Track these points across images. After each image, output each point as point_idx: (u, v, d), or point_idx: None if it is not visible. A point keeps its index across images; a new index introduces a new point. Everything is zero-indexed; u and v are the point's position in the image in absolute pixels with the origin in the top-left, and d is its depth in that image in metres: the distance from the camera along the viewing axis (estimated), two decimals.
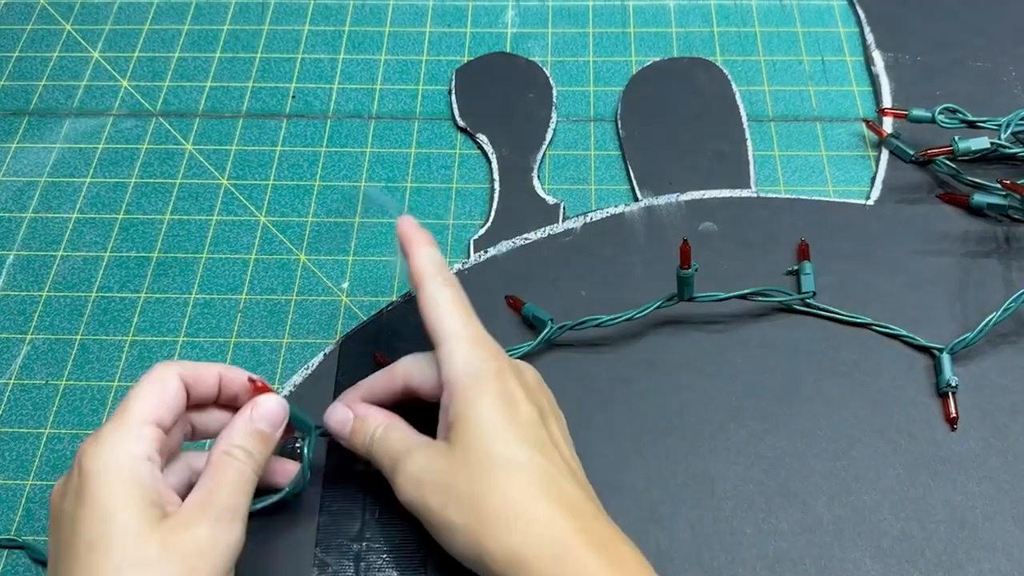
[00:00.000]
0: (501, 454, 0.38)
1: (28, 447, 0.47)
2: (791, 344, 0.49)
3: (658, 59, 0.62)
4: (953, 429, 0.46)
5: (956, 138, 0.53)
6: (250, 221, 0.56)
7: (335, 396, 0.47)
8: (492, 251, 0.53)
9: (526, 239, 0.53)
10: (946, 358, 0.47)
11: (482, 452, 0.38)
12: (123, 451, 0.36)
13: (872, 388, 0.47)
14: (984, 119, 0.54)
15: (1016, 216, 0.52)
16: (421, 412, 0.43)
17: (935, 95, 0.58)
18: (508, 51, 0.63)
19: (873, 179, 0.56)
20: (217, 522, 0.36)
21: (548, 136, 0.59)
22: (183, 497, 0.37)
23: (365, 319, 0.51)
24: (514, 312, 0.50)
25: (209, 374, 0.40)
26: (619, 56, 0.63)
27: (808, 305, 0.49)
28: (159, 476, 0.37)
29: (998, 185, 0.51)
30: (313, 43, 0.65)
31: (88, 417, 0.48)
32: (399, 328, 0.50)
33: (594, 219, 0.54)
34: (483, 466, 0.38)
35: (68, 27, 0.66)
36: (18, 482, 0.46)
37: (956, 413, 0.46)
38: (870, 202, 0.55)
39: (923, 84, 0.59)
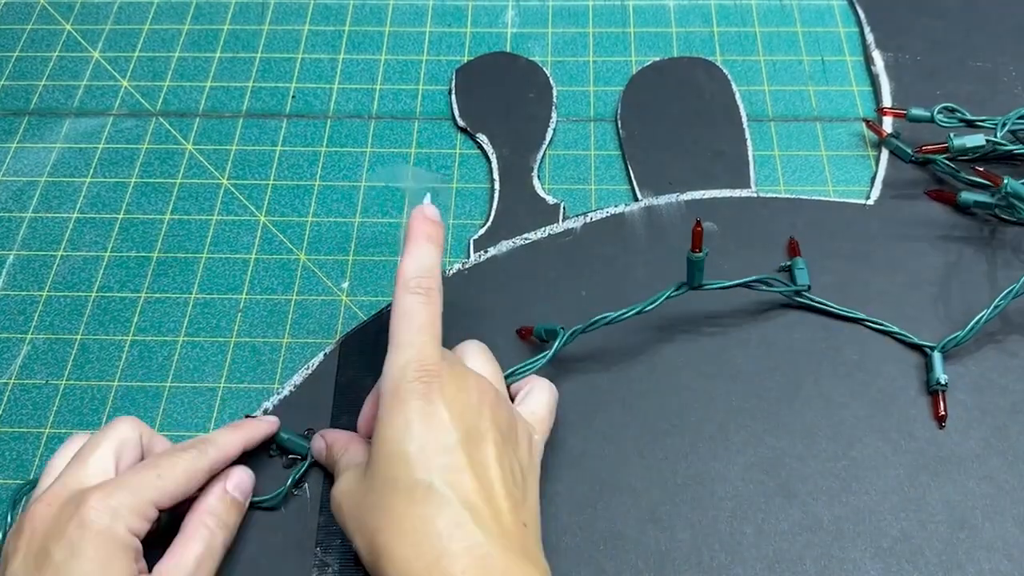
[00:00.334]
0: (401, 480, 0.37)
1: (28, 447, 0.47)
2: (791, 344, 0.49)
3: (658, 59, 0.62)
4: (942, 427, 0.46)
5: (951, 135, 0.53)
6: (250, 221, 0.56)
7: (335, 396, 0.47)
8: (492, 251, 0.53)
9: (526, 239, 0.53)
10: (937, 356, 0.47)
11: (387, 477, 0.37)
12: (126, 525, 0.37)
13: (872, 388, 0.47)
14: (983, 118, 0.54)
15: (1003, 215, 0.52)
16: None
17: (935, 95, 0.58)
18: (508, 51, 0.63)
19: (873, 179, 0.56)
20: None
21: (548, 136, 0.59)
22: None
23: (365, 319, 0.51)
24: (527, 342, 0.49)
25: (235, 453, 0.43)
26: (619, 56, 0.63)
27: (804, 298, 0.49)
28: (141, 553, 0.38)
29: (989, 184, 0.51)
30: (313, 43, 0.65)
31: (88, 417, 0.48)
32: None
33: (594, 219, 0.54)
34: (384, 491, 0.37)
35: (68, 27, 0.66)
36: (18, 482, 0.46)
37: (945, 411, 0.46)
38: (870, 202, 0.55)
39: (923, 84, 0.59)
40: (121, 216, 0.56)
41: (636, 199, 0.55)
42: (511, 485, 0.38)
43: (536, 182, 0.56)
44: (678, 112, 0.59)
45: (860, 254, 0.52)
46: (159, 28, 0.66)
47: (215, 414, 0.48)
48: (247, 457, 0.45)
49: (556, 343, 0.46)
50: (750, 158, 0.57)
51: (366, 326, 0.51)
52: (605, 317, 0.46)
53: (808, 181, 0.56)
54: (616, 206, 0.55)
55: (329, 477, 0.44)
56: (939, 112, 0.54)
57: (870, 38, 0.63)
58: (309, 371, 0.49)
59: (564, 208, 0.55)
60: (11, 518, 0.42)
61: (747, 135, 0.58)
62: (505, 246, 0.53)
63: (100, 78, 0.63)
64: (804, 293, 0.49)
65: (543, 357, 0.46)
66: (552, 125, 0.59)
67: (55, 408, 0.49)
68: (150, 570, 0.38)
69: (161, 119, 0.61)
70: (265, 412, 0.48)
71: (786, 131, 0.59)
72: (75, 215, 0.56)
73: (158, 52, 0.64)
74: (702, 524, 0.43)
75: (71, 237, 0.55)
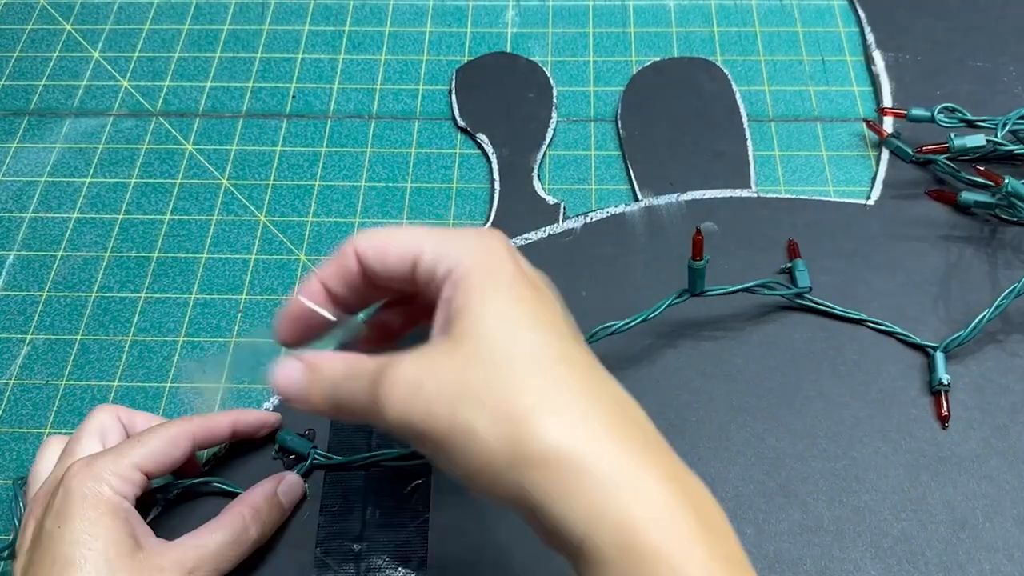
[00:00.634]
0: (529, 346, 0.31)
1: (28, 447, 0.47)
2: (791, 344, 0.49)
3: (658, 59, 0.62)
4: (944, 427, 0.46)
5: (952, 135, 0.53)
6: (250, 221, 0.56)
7: None
8: None
9: (526, 239, 0.53)
10: (940, 356, 0.47)
11: (505, 344, 0.31)
12: (110, 486, 0.38)
13: (872, 388, 0.47)
14: (983, 118, 0.54)
15: (1003, 215, 0.52)
16: None
17: (935, 95, 0.58)
18: (508, 51, 0.63)
19: (873, 179, 0.56)
20: (188, 574, 0.38)
21: (548, 136, 0.59)
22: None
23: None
24: None
25: (222, 428, 0.43)
26: (619, 56, 0.63)
27: (805, 300, 0.49)
28: (136, 514, 0.39)
29: (991, 183, 0.51)
30: (313, 43, 0.65)
31: None
32: None
33: (594, 219, 0.54)
34: (507, 359, 0.31)
35: (68, 27, 0.66)
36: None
37: (948, 412, 0.46)
38: (870, 202, 0.55)
39: (923, 84, 0.59)
40: (121, 216, 0.56)
41: (636, 199, 0.55)
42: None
43: (536, 182, 0.56)
44: (678, 112, 0.59)
45: (860, 254, 0.52)
46: (159, 28, 0.66)
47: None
48: (247, 457, 0.45)
49: None
50: (750, 158, 0.57)
51: None
52: (609, 327, 0.46)
53: (808, 181, 0.56)
54: (616, 206, 0.55)
55: (340, 452, 0.44)
56: (939, 112, 0.54)
57: (870, 38, 0.63)
58: None
59: (564, 208, 0.55)
60: (22, 506, 0.42)
61: (747, 135, 0.58)
62: None
63: (100, 78, 0.63)
64: (805, 295, 0.49)
65: None
66: (552, 125, 0.59)
67: (55, 408, 0.49)
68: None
69: (161, 119, 0.61)
70: None
71: (786, 131, 0.59)
72: (75, 215, 0.56)
73: (158, 52, 0.64)
74: None
75: (71, 237, 0.55)
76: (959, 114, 0.54)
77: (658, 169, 0.56)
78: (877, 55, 0.61)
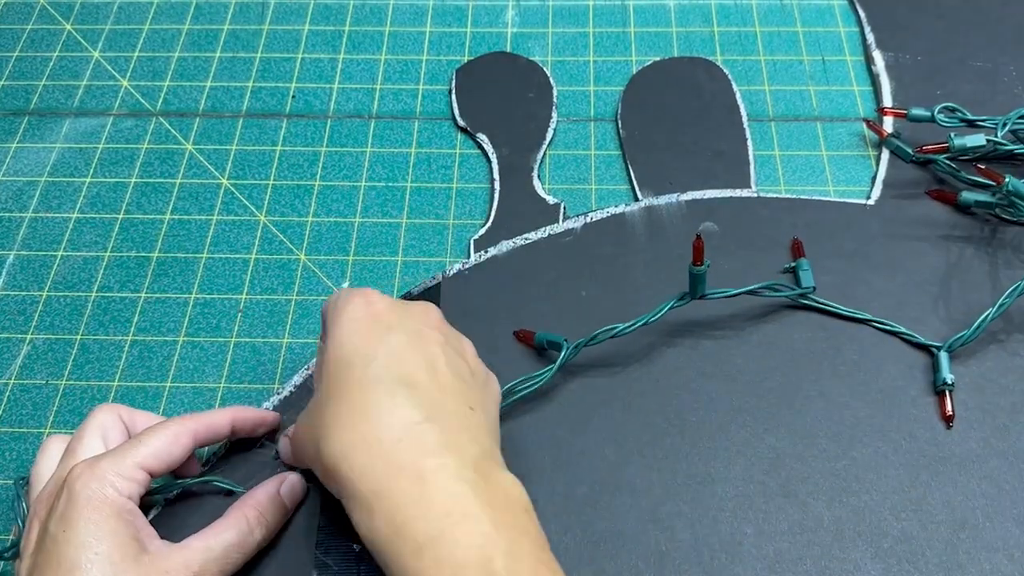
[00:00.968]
0: (346, 376, 0.37)
1: (28, 447, 0.47)
2: (791, 344, 0.49)
3: (658, 59, 0.62)
4: (949, 427, 0.46)
5: (952, 135, 0.53)
6: (250, 221, 0.56)
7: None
8: (492, 251, 0.53)
9: (526, 239, 0.53)
10: (944, 356, 0.47)
11: (335, 380, 0.38)
12: (113, 487, 0.38)
13: (872, 388, 0.47)
14: (983, 118, 0.54)
15: (1004, 215, 0.52)
16: None
17: (935, 95, 0.58)
18: (508, 51, 0.63)
19: (873, 179, 0.56)
20: None
21: (548, 136, 0.59)
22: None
23: None
24: (525, 345, 0.49)
25: (221, 425, 0.43)
26: (619, 56, 0.63)
27: (809, 300, 0.49)
28: (140, 515, 0.39)
29: (991, 183, 0.51)
30: (313, 43, 0.65)
31: None
32: None
33: (594, 219, 0.54)
34: (331, 394, 0.38)
35: (68, 27, 0.66)
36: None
37: (952, 411, 0.46)
38: (870, 202, 0.55)
39: (923, 84, 0.59)
40: (121, 216, 0.56)
41: (636, 199, 0.55)
42: (457, 373, 0.39)
43: (536, 182, 0.56)
44: (678, 112, 0.59)
45: (861, 254, 0.52)
46: (159, 28, 0.66)
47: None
48: (247, 456, 0.45)
49: (560, 357, 0.46)
50: (750, 158, 0.57)
51: None
52: (610, 329, 0.46)
53: (808, 181, 0.56)
54: (616, 206, 0.55)
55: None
56: (940, 112, 0.54)
57: (870, 38, 0.63)
58: (309, 371, 0.49)
59: (564, 208, 0.55)
60: (24, 506, 0.42)
61: (747, 135, 0.58)
62: (505, 246, 0.53)
63: (100, 78, 0.63)
64: (809, 295, 0.49)
65: (547, 371, 0.46)
66: (552, 125, 0.59)
67: (55, 408, 0.49)
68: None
69: (161, 119, 0.61)
70: None
71: (786, 131, 0.59)
72: (75, 215, 0.56)
73: (158, 52, 0.64)
74: (702, 524, 0.43)
75: (71, 237, 0.55)
76: (959, 114, 0.54)
77: (658, 169, 0.56)
78: (877, 55, 0.61)
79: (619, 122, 0.59)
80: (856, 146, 0.58)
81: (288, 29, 0.65)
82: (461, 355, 0.41)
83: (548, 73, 0.62)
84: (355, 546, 0.43)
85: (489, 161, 0.58)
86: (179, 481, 0.43)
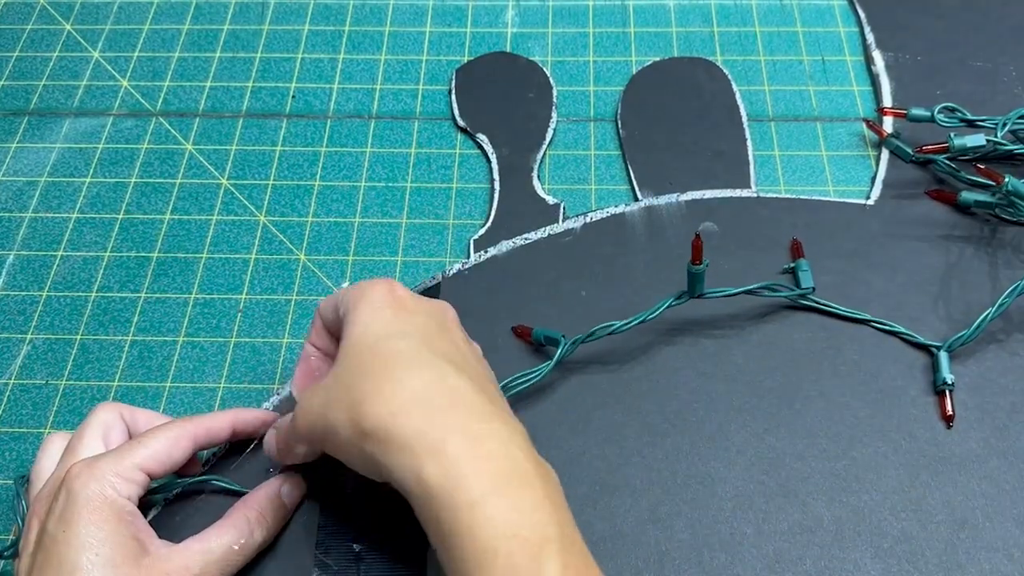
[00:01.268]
0: (376, 350, 0.38)
1: (28, 447, 0.47)
2: (791, 344, 0.49)
3: (658, 59, 0.62)
4: (949, 427, 0.46)
5: (952, 135, 0.53)
6: (250, 221, 0.56)
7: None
8: (492, 251, 0.53)
9: (526, 239, 0.53)
10: (943, 356, 0.47)
11: (362, 354, 0.38)
12: (113, 488, 0.38)
13: (872, 388, 0.47)
14: (983, 118, 0.54)
15: (1003, 215, 0.52)
16: None
17: (935, 95, 0.58)
18: (508, 51, 0.63)
19: (873, 179, 0.56)
20: None
21: (548, 136, 0.59)
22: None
23: None
24: (524, 342, 0.49)
25: (222, 428, 0.43)
26: (619, 56, 0.63)
27: (809, 300, 0.49)
28: (140, 516, 0.39)
29: (991, 183, 0.51)
30: (313, 43, 0.65)
31: None
32: None
33: (594, 219, 0.54)
34: (360, 367, 0.38)
35: (68, 27, 0.66)
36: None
37: (952, 411, 0.46)
38: (870, 202, 0.55)
39: (923, 84, 0.59)
40: (121, 216, 0.56)
41: (636, 199, 0.55)
42: (481, 362, 0.41)
43: (536, 182, 0.56)
44: (678, 112, 0.59)
45: (860, 254, 0.52)
46: (159, 28, 0.66)
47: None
48: (247, 455, 0.45)
49: (557, 353, 0.46)
50: (750, 158, 0.57)
51: None
52: (608, 327, 0.46)
53: (808, 181, 0.56)
54: (616, 206, 0.55)
55: (315, 478, 0.44)
56: (939, 112, 0.54)
57: (870, 38, 0.63)
58: None
59: (564, 208, 0.55)
60: (24, 505, 0.42)
61: (747, 135, 0.58)
62: (505, 246, 0.53)
63: (100, 78, 0.63)
64: (809, 295, 0.49)
65: (545, 367, 0.46)
66: (552, 125, 0.59)
67: (55, 408, 0.49)
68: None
69: (161, 119, 0.61)
70: None
71: (786, 131, 0.59)
72: (75, 215, 0.56)
73: (158, 52, 0.64)
74: (702, 524, 0.43)
75: (71, 237, 0.55)
76: (959, 114, 0.54)
77: (658, 169, 0.56)
78: (877, 55, 0.61)
79: (619, 122, 0.59)
80: (856, 146, 0.58)
81: (288, 29, 0.65)
82: (476, 355, 0.42)
83: (548, 73, 0.62)
84: (355, 546, 0.43)
85: (489, 161, 0.58)
86: (179, 481, 0.43)
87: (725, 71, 0.61)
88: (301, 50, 0.64)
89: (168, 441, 0.40)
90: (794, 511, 0.44)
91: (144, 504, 0.40)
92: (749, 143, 0.58)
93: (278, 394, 0.48)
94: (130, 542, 0.37)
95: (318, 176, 0.58)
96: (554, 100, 0.61)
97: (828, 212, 0.54)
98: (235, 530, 0.40)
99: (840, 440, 0.46)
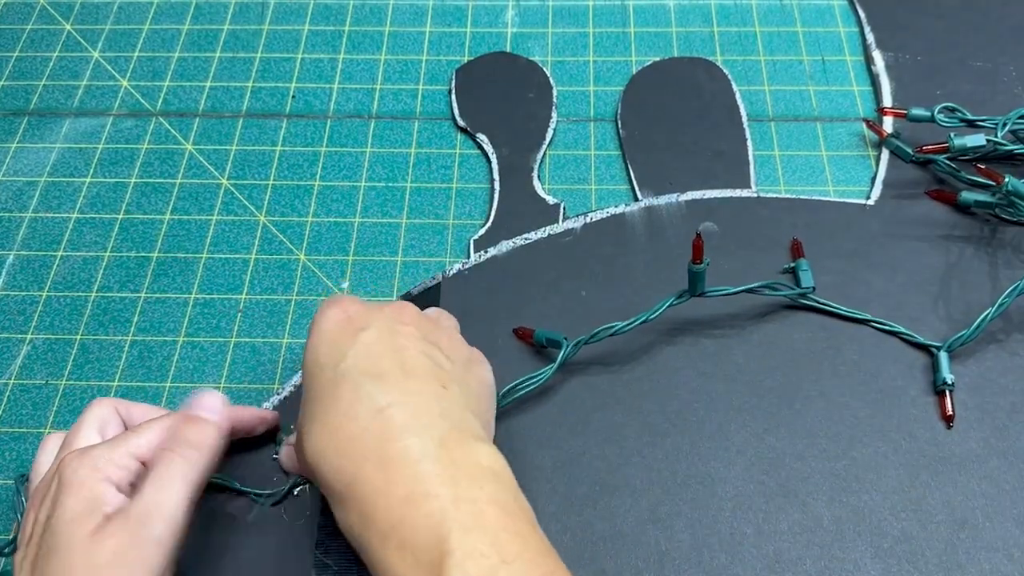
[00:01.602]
0: (320, 381, 0.38)
1: (28, 447, 0.47)
2: (791, 344, 0.49)
3: (658, 59, 0.62)
4: (949, 427, 0.46)
5: (952, 135, 0.54)
6: (250, 221, 0.56)
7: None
8: (492, 251, 0.53)
9: (526, 239, 0.53)
10: (943, 356, 0.47)
11: (311, 386, 0.38)
12: (103, 474, 0.37)
13: (872, 388, 0.47)
14: (983, 118, 0.54)
15: (1003, 215, 0.52)
16: None
17: (935, 95, 0.58)
18: (508, 51, 0.63)
19: (873, 179, 0.56)
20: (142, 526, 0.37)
21: (548, 136, 0.59)
22: None
23: None
24: (525, 343, 0.49)
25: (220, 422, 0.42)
26: (619, 56, 0.63)
27: (809, 300, 0.49)
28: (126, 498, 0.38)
29: (991, 183, 0.51)
30: (313, 43, 0.65)
31: None
32: None
33: (594, 219, 0.54)
34: (309, 400, 0.38)
35: (68, 27, 0.66)
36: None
37: (953, 411, 0.46)
38: (870, 202, 0.55)
39: (923, 84, 0.59)
40: (121, 216, 0.56)
41: (636, 199, 0.55)
42: (429, 357, 0.39)
43: (536, 182, 0.56)
44: (678, 112, 0.59)
45: (860, 254, 0.52)
46: (159, 28, 0.66)
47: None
48: (248, 456, 0.45)
49: (560, 355, 0.46)
50: (750, 158, 0.57)
51: None
52: (609, 328, 0.46)
53: (808, 181, 0.56)
54: (616, 206, 0.55)
55: None
56: (939, 112, 0.54)
57: (870, 38, 0.63)
58: None
59: (564, 208, 0.55)
60: (23, 502, 0.42)
61: (747, 135, 0.58)
62: (505, 246, 0.53)
63: (100, 78, 0.63)
64: (809, 295, 0.49)
65: (548, 370, 0.46)
66: (552, 125, 0.59)
67: (55, 408, 0.49)
68: None
69: (161, 119, 0.61)
70: None
71: (786, 131, 0.59)
72: (75, 215, 0.56)
73: (158, 52, 0.64)
74: (702, 524, 0.43)
75: (71, 237, 0.55)
76: (959, 114, 0.54)
77: (658, 169, 0.56)
78: (877, 55, 0.61)
79: (619, 122, 0.59)
80: (856, 146, 0.58)
81: (288, 29, 0.65)
82: (435, 343, 0.41)
83: (548, 73, 0.62)
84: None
85: (489, 161, 0.58)
86: None
87: (725, 71, 0.61)
88: (301, 50, 0.64)
89: (163, 431, 0.40)
90: (794, 511, 0.44)
91: None
92: (749, 143, 0.58)
93: (278, 394, 0.48)
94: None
95: (318, 176, 0.58)
96: (554, 100, 0.61)
97: (828, 212, 0.54)
98: (171, 471, 0.38)
99: (840, 440, 0.46)
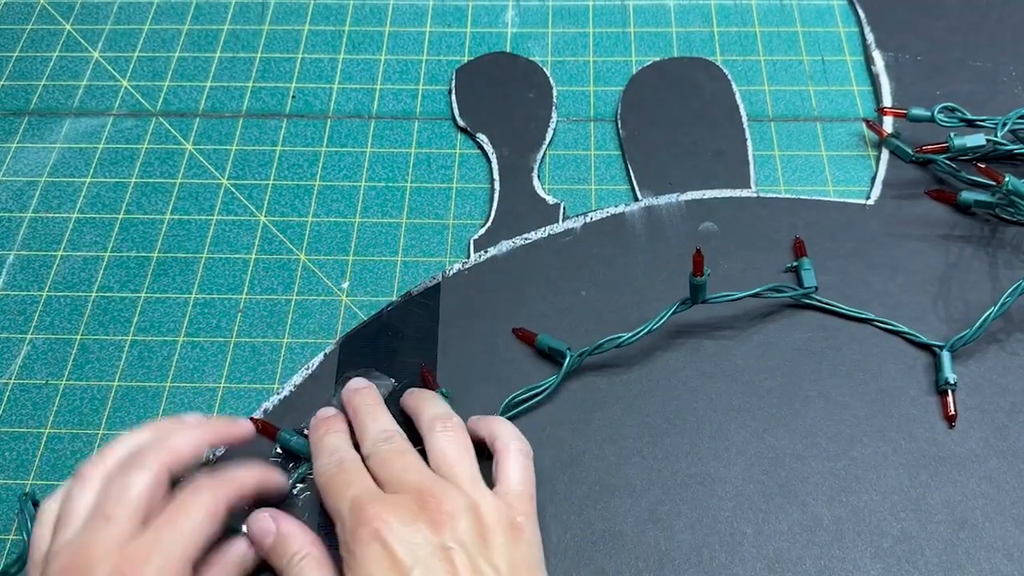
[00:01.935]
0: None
1: (28, 447, 0.47)
2: (791, 344, 0.49)
3: (658, 59, 0.62)
4: (951, 427, 0.46)
5: (952, 135, 0.54)
6: (250, 221, 0.56)
7: (336, 396, 0.47)
8: (492, 251, 0.53)
9: (526, 239, 0.53)
10: (946, 355, 0.47)
11: None
12: None
13: (872, 387, 0.47)
14: (983, 118, 0.54)
15: (1003, 215, 0.52)
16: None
17: (935, 95, 0.58)
18: (508, 51, 0.63)
19: (873, 179, 0.56)
20: None
21: (548, 136, 0.59)
22: None
23: (365, 319, 0.51)
24: (526, 344, 0.49)
25: (188, 454, 0.41)
26: (619, 56, 0.63)
27: (812, 300, 0.49)
28: None
29: (991, 183, 0.51)
30: (313, 43, 0.65)
31: (88, 417, 0.48)
32: (399, 328, 0.50)
33: (594, 219, 0.54)
34: None
35: (68, 27, 0.66)
36: (18, 482, 0.46)
37: (955, 411, 0.46)
38: (870, 202, 0.55)
39: (923, 84, 0.59)
40: (121, 216, 0.56)
41: (636, 199, 0.55)
42: (477, 569, 0.37)
43: (536, 182, 0.56)
44: (678, 112, 0.59)
45: (860, 254, 0.52)
46: (159, 28, 0.66)
47: (215, 414, 0.48)
48: (247, 454, 0.45)
49: (563, 367, 0.46)
50: (750, 158, 0.57)
51: (366, 326, 0.51)
52: (615, 339, 0.46)
53: (808, 181, 0.56)
54: (616, 206, 0.55)
55: None
56: (939, 112, 0.54)
57: (870, 38, 0.63)
58: (309, 371, 0.49)
59: (564, 208, 0.55)
60: (28, 519, 0.42)
61: (747, 135, 0.58)
62: (505, 246, 0.53)
63: (100, 78, 0.63)
64: (812, 294, 0.49)
65: (551, 382, 0.46)
66: (552, 125, 0.59)
67: (55, 408, 0.49)
68: None
69: (161, 119, 0.61)
70: (265, 412, 0.48)
71: (786, 131, 0.59)
72: (75, 215, 0.56)
73: (158, 52, 0.64)
74: (702, 524, 0.43)
75: (71, 237, 0.55)
76: (959, 114, 0.54)
77: (658, 169, 0.56)
78: (877, 55, 0.61)
79: (619, 122, 0.59)
80: (856, 146, 0.58)
81: (288, 29, 0.65)
82: (488, 551, 0.38)
83: (548, 73, 0.62)
84: None
85: (489, 161, 0.58)
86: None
87: (725, 71, 0.61)
88: (301, 50, 0.64)
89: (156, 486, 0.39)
90: (794, 511, 0.44)
91: None
92: (749, 143, 0.58)
93: (278, 394, 0.48)
94: None
95: (318, 176, 0.58)
96: (554, 100, 0.61)
97: (828, 212, 0.54)
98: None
99: (840, 440, 0.46)
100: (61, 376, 0.50)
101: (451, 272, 0.52)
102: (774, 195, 0.55)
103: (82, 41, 0.65)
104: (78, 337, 0.51)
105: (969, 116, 0.54)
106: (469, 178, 0.57)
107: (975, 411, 0.46)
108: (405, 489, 0.39)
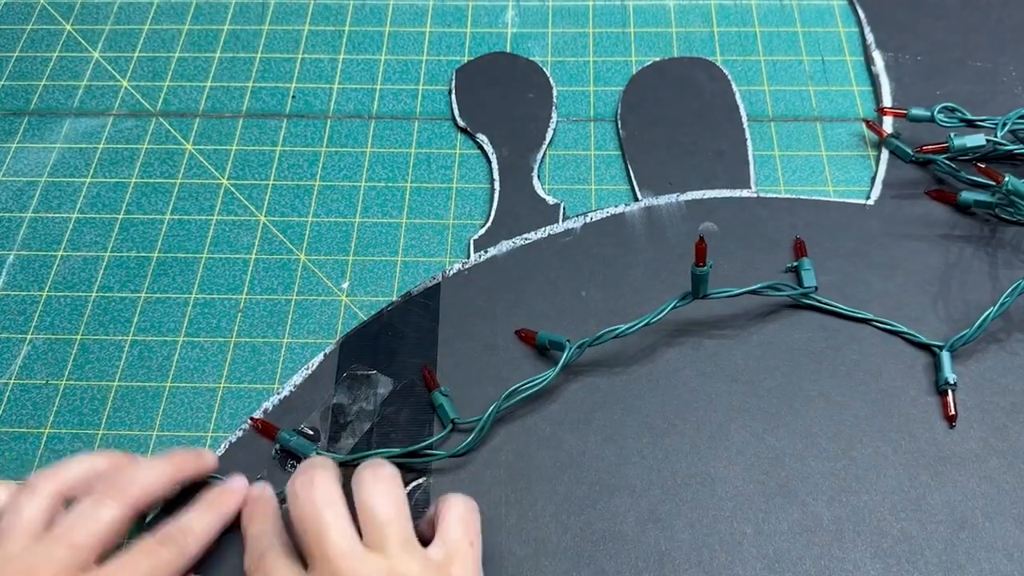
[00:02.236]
0: None
1: (28, 447, 0.47)
2: (791, 344, 0.49)
3: (658, 59, 0.62)
4: (952, 427, 0.46)
5: (952, 135, 0.54)
6: (250, 221, 0.56)
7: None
8: (492, 251, 0.53)
9: (526, 239, 0.53)
10: (946, 355, 0.47)
11: None
12: None
13: (872, 388, 0.47)
14: (983, 118, 0.54)
15: (1003, 215, 0.52)
16: None
17: (935, 95, 0.58)
18: (508, 51, 0.63)
19: (873, 179, 0.56)
20: None
21: (548, 136, 0.59)
22: None
23: (365, 319, 0.51)
24: (526, 344, 0.49)
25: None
26: (619, 56, 0.63)
27: (812, 299, 0.49)
28: None
29: (991, 183, 0.51)
30: (313, 43, 0.65)
31: (88, 417, 0.48)
32: (399, 328, 0.50)
33: (594, 219, 0.54)
34: None
35: (68, 27, 0.66)
36: (18, 482, 0.46)
37: (955, 411, 0.46)
38: (870, 202, 0.55)
39: (923, 84, 0.59)
40: (121, 216, 0.56)
41: (636, 199, 0.55)
42: None
43: (536, 182, 0.56)
44: (678, 112, 0.59)
45: (860, 254, 0.52)
46: (159, 28, 0.66)
47: (215, 414, 0.48)
48: (248, 454, 0.45)
49: (563, 358, 0.46)
50: (750, 158, 0.57)
51: (366, 326, 0.51)
52: (612, 331, 0.46)
53: (808, 181, 0.56)
54: (616, 206, 0.55)
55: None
56: (939, 112, 0.54)
57: (870, 38, 0.63)
58: (309, 371, 0.49)
59: (564, 208, 0.55)
60: None
61: (747, 135, 0.58)
62: (505, 246, 0.53)
63: (100, 78, 0.63)
64: (811, 294, 0.49)
65: (550, 373, 0.46)
66: (552, 125, 0.59)
67: (55, 408, 0.49)
68: None
69: (161, 119, 0.61)
70: (265, 412, 0.48)
71: (786, 131, 0.59)
72: (75, 215, 0.56)
73: (158, 52, 0.64)
74: (702, 524, 0.43)
75: (71, 237, 0.55)
76: (959, 114, 0.54)
77: (658, 169, 0.56)
78: (877, 55, 0.61)
79: (619, 122, 0.59)
80: (856, 146, 0.58)
81: (288, 29, 0.65)
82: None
83: (548, 73, 0.62)
84: None
85: (489, 161, 0.58)
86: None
87: (725, 71, 0.61)
88: (301, 50, 0.64)
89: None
90: (794, 511, 0.44)
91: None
92: (749, 143, 0.58)
93: (278, 394, 0.48)
94: None
95: (318, 176, 0.58)
96: (554, 100, 0.61)
97: (828, 212, 0.54)
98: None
99: (840, 440, 0.46)
100: (61, 376, 0.50)
101: (451, 272, 0.52)
102: (774, 195, 0.55)
103: (82, 41, 0.65)
104: (78, 337, 0.51)
105: (969, 116, 0.54)
106: (469, 178, 0.57)
107: (975, 411, 0.46)
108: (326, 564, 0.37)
